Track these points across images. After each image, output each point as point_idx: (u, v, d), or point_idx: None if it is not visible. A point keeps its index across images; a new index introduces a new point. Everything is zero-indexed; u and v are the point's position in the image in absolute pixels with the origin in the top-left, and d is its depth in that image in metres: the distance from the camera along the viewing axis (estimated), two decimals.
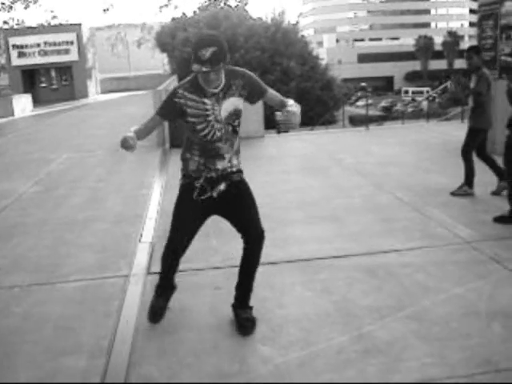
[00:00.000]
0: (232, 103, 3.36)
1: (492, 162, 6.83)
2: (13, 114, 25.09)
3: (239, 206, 3.54)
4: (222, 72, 3.25)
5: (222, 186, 3.45)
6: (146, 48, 46.06)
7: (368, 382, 3.01)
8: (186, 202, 3.49)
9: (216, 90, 3.30)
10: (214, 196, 3.45)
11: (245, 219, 3.55)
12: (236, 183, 3.51)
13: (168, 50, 33.31)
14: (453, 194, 6.75)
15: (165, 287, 3.78)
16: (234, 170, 3.50)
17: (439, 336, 3.42)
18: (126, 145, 3.25)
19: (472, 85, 6.72)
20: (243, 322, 3.57)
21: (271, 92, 3.54)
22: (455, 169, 7.18)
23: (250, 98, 3.47)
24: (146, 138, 3.52)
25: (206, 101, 3.30)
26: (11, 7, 40.16)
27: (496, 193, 6.71)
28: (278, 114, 3.32)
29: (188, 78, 3.40)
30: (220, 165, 3.43)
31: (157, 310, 3.70)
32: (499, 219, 5.64)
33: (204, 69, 3.09)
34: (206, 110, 3.31)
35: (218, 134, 3.36)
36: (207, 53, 3.06)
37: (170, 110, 3.40)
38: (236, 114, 3.40)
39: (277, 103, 3.52)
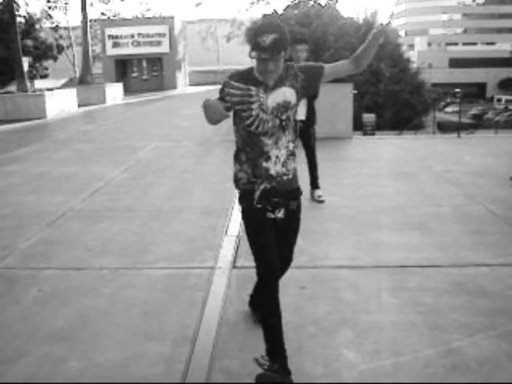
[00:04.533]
0: (282, 93, 3.05)
1: None
2: (105, 102, 26.07)
3: (285, 232, 3.27)
4: (281, 65, 2.98)
5: (281, 214, 3.14)
6: (236, 43, 46.61)
7: None
8: (259, 223, 3.15)
9: (270, 83, 3.03)
10: (279, 216, 3.15)
11: (283, 248, 3.27)
12: (296, 212, 3.22)
13: None
14: None
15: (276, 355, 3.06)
16: (294, 184, 3.18)
17: None
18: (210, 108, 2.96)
19: None
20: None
21: (331, 65, 3.20)
22: None
23: (311, 85, 3.13)
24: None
25: (251, 87, 3.03)
26: None
27: None
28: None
29: (242, 69, 3.18)
30: (271, 168, 3.08)
31: None
32: None
33: (263, 56, 2.85)
34: (250, 95, 3.03)
35: (264, 126, 3.05)
36: (268, 39, 2.82)
37: (223, 98, 3.06)
38: (285, 106, 3.06)
39: (345, 67, 3.20)
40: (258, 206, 3.11)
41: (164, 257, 5.02)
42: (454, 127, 17.31)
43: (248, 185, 3.14)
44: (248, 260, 4.69)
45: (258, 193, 3.11)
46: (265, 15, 35.28)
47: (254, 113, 3.04)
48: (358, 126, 16.82)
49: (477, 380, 3.04)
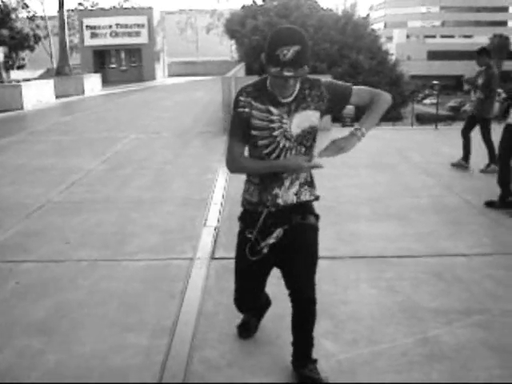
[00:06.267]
0: (307, 118, 2.69)
1: (468, 142, 8.36)
2: (83, 93, 25.79)
3: (296, 255, 2.85)
4: (298, 79, 2.62)
5: (278, 233, 2.83)
6: (215, 34, 46.46)
7: None
8: (244, 254, 2.89)
9: (288, 100, 2.66)
10: (265, 251, 2.84)
11: (297, 274, 2.87)
12: (301, 225, 2.87)
13: (237, 37, 33.38)
14: (483, 171, 7.99)
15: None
16: (304, 200, 2.87)
17: (509, 347, 3.29)
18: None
19: (480, 81, 8.13)
20: (306, 382, 2.94)
21: (359, 89, 2.79)
22: None
23: (334, 108, 2.78)
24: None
25: (271, 109, 2.66)
26: None
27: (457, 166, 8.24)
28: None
29: (252, 81, 2.78)
30: (281, 196, 2.79)
31: (249, 328, 3.46)
32: (489, 204, 6.19)
33: (286, 73, 2.44)
34: (272, 121, 2.67)
35: (287, 155, 2.72)
36: (289, 53, 2.40)
37: (241, 127, 2.72)
38: (310, 132, 2.73)
39: (366, 101, 2.80)
40: (249, 235, 2.86)
41: (143, 248, 5.00)
42: (432, 119, 17.46)
43: (250, 206, 2.89)
44: (226, 251, 4.71)
45: (262, 216, 2.82)
46: (244, 6, 35.18)
47: (276, 141, 2.70)
48: (337, 117, 16.85)
49: (453, 368, 3.08)
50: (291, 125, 2.68)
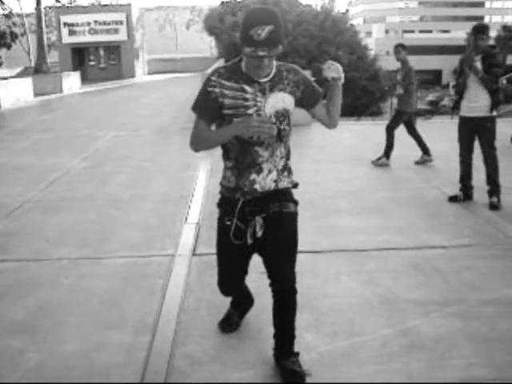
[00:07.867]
0: (282, 99, 2.70)
1: (419, 138, 8.49)
2: (61, 91, 25.62)
3: (275, 244, 2.84)
4: (273, 59, 2.63)
5: (260, 224, 2.81)
6: (195, 30, 46.30)
7: (412, 377, 2.97)
8: (224, 241, 2.92)
9: (263, 80, 2.66)
10: (250, 241, 2.83)
11: (276, 263, 2.89)
12: (279, 214, 2.83)
13: (216, 33, 33.26)
14: (373, 162, 8.26)
15: (237, 302, 3.51)
16: (282, 188, 2.85)
17: (486, 336, 3.35)
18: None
19: (399, 76, 8.48)
20: (288, 375, 2.93)
21: (324, 102, 2.88)
22: (505, 166, 6.96)
23: (304, 101, 2.82)
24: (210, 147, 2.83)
25: (246, 88, 2.64)
26: None
27: (418, 162, 8.25)
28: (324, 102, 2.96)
29: (227, 63, 2.79)
30: (258, 181, 2.78)
31: (231, 323, 3.48)
32: (453, 198, 6.28)
33: (260, 52, 2.44)
34: (246, 99, 2.64)
35: (261, 135, 2.64)
36: (263, 32, 2.40)
37: (208, 106, 2.69)
38: (284, 115, 2.72)
39: (325, 115, 2.90)
40: (228, 223, 2.85)
41: (124, 246, 5.00)
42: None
43: (227, 193, 2.88)
44: (208, 247, 4.72)
45: (238, 205, 2.81)
46: (223, 2, 35.08)
47: None
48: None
49: (432, 357, 3.13)
50: (266, 104, 2.67)
